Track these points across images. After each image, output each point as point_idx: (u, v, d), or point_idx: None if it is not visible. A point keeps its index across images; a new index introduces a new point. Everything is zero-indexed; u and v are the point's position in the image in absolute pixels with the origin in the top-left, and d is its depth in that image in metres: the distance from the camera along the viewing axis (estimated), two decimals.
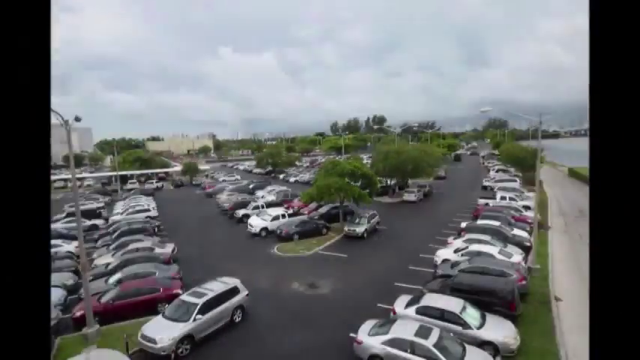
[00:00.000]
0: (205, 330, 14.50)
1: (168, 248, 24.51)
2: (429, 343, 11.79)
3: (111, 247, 25.37)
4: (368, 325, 13.81)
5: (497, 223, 25.57)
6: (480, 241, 21.86)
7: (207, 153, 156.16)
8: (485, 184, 48.92)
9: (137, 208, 38.56)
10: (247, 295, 16.79)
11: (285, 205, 36.54)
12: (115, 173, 66.89)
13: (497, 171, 61.00)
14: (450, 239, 24.99)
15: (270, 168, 79.55)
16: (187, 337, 13.79)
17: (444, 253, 21.87)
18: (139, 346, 13.68)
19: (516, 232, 25.52)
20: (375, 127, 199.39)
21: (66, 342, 14.76)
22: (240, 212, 35.31)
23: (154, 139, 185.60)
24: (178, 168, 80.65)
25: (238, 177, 70.06)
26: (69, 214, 37.05)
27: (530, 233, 25.15)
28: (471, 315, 13.88)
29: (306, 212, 34.14)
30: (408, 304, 14.86)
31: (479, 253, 20.10)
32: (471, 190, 48.30)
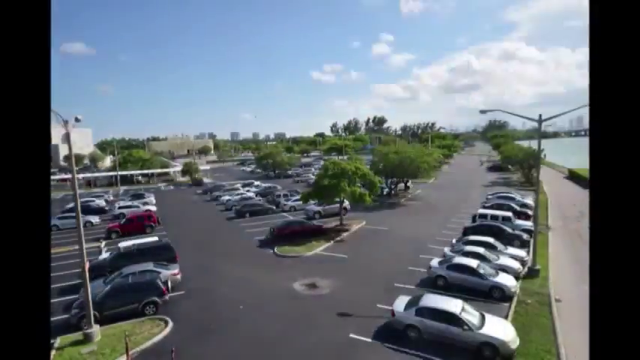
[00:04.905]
0: None
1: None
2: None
3: None
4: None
5: None
6: None
7: (207, 153, 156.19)
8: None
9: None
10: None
11: None
12: (115, 173, 66.96)
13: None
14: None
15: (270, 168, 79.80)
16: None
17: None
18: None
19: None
20: (375, 127, 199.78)
21: (66, 341, 14.74)
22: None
23: (154, 139, 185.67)
24: (178, 168, 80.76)
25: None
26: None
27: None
28: (471, 315, 13.89)
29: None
30: (407, 306, 14.87)
31: None
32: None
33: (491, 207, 32.86)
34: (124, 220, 33.89)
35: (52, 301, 17.06)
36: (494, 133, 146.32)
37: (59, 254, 26.22)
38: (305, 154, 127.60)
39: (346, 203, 35.33)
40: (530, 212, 32.73)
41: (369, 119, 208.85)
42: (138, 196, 48.56)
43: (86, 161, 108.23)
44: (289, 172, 76.15)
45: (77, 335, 15.04)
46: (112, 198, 52.68)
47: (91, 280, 18.00)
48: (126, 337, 13.64)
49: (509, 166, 66.02)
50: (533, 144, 52.91)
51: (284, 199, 42.48)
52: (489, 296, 17.48)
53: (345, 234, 29.85)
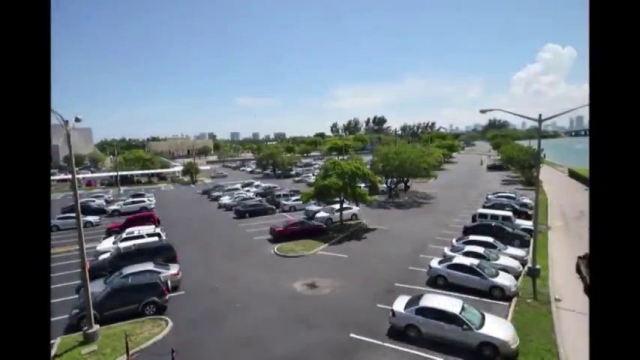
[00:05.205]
0: None
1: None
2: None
3: None
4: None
5: None
6: None
7: (207, 153, 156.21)
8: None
9: None
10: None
11: None
12: (115, 173, 66.98)
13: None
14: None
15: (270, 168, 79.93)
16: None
17: None
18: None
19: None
20: (375, 127, 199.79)
21: (66, 342, 14.75)
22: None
23: (154, 139, 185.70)
24: (179, 168, 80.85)
25: None
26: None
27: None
28: (470, 315, 13.90)
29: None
30: (407, 305, 14.88)
31: None
32: None
33: (491, 207, 32.91)
34: (124, 220, 33.91)
35: (52, 301, 17.07)
36: (494, 133, 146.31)
37: (59, 254, 26.23)
38: (305, 154, 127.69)
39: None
40: (530, 212, 32.79)
41: (368, 119, 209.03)
42: (138, 197, 48.62)
43: (86, 162, 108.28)
44: (291, 172, 76.18)
45: (77, 335, 15.05)
46: (111, 198, 52.69)
47: (91, 280, 18.01)
48: (126, 337, 13.64)
49: (509, 166, 66.01)
50: (534, 143, 52.88)
51: (284, 199, 42.49)
52: (489, 296, 17.49)
53: (345, 233, 29.86)
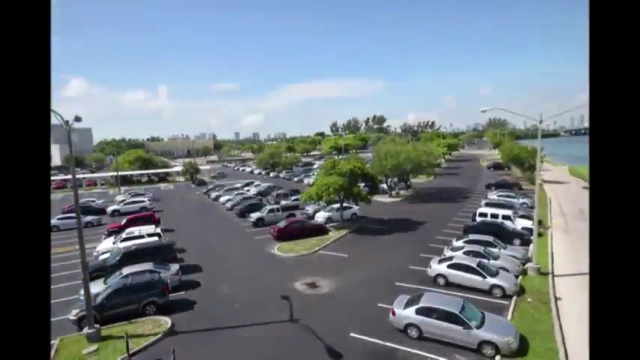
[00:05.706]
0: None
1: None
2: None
3: None
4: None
5: None
6: None
7: (208, 153, 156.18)
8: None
9: None
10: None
11: None
12: (115, 173, 67.01)
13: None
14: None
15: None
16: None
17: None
18: None
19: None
20: (375, 126, 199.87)
21: (66, 342, 14.76)
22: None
23: (154, 139, 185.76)
24: (179, 168, 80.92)
25: None
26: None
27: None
28: (471, 314, 13.90)
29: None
30: (408, 304, 14.89)
31: None
32: None
33: (492, 206, 32.92)
34: (124, 220, 33.92)
35: (52, 301, 17.07)
36: (493, 132, 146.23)
37: (59, 254, 26.25)
38: (305, 154, 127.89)
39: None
40: (531, 211, 32.79)
41: (368, 118, 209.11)
42: (138, 196, 48.66)
43: (87, 162, 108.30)
44: (292, 172, 76.14)
45: (77, 335, 15.06)
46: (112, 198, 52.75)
47: (91, 280, 18.03)
48: (126, 338, 13.65)
49: (510, 166, 65.95)
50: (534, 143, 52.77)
51: (284, 199, 42.42)
52: (490, 295, 17.51)
53: (345, 232, 29.87)
